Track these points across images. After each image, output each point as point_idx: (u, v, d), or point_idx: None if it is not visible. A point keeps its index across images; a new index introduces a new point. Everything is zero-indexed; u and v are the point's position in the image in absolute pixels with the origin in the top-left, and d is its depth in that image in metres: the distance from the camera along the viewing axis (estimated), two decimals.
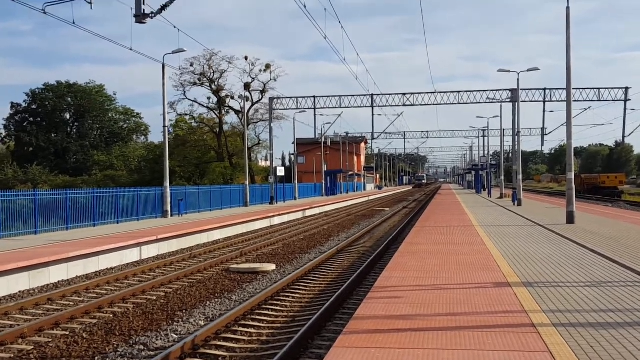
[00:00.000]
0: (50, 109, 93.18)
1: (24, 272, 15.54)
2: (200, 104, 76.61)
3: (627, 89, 59.69)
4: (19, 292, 15.13)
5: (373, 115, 63.78)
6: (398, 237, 25.70)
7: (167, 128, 38.06)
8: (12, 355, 9.67)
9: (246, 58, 72.86)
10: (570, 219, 24.86)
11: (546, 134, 66.43)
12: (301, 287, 15.25)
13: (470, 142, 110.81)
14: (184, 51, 35.01)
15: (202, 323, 11.75)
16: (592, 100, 60.11)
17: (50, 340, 10.55)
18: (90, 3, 19.60)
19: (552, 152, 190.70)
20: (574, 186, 25.76)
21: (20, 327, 11.00)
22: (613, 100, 60.02)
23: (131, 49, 35.77)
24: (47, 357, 9.56)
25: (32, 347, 10.14)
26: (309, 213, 45.30)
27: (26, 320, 12.19)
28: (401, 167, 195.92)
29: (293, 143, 71.46)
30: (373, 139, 76.08)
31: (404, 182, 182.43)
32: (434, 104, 61.43)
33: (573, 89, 26.62)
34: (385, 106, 62.78)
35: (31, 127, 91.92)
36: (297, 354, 9.34)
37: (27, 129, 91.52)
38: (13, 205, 23.51)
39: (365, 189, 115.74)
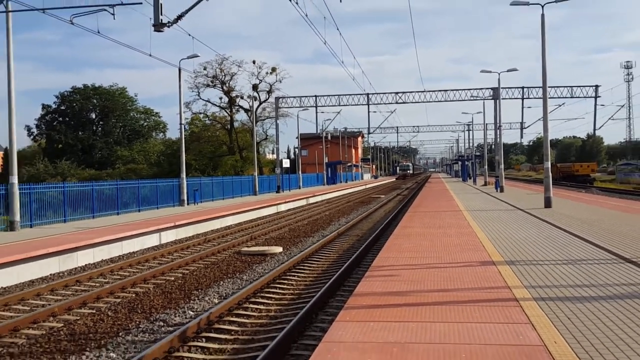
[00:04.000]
0: (78, 109, 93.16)
1: (55, 257, 15.54)
2: (213, 104, 77.01)
3: (597, 87, 59.86)
4: (50, 274, 15.15)
5: (369, 112, 63.92)
6: (393, 221, 25.67)
7: (183, 125, 38.02)
8: (44, 332, 9.65)
9: (254, 62, 72.99)
10: (548, 203, 24.86)
11: (525, 128, 66.50)
12: (306, 268, 15.24)
13: (457, 135, 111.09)
14: (198, 56, 35.03)
15: (216, 301, 11.74)
16: (565, 97, 60.27)
17: (79, 318, 10.54)
18: (113, 14, 19.58)
19: (531, 143, 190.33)
20: (550, 174, 25.75)
21: (51, 307, 11.00)
22: (584, 97, 60.16)
23: (150, 55, 35.86)
24: (76, 334, 9.54)
25: (62, 324, 10.13)
26: (312, 200, 45.30)
27: (56, 300, 12.20)
28: (395, 159, 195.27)
29: (297, 137, 71.55)
30: (369, 133, 75.78)
31: (397, 172, 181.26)
32: (423, 102, 61.59)
33: (548, 87, 26.56)
34: (380, 104, 62.86)
35: (60, 126, 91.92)
36: (303, 328, 9.33)
37: (57, 128, 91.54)
38: (44, 197, 23.51)
39: (362, 179, 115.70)
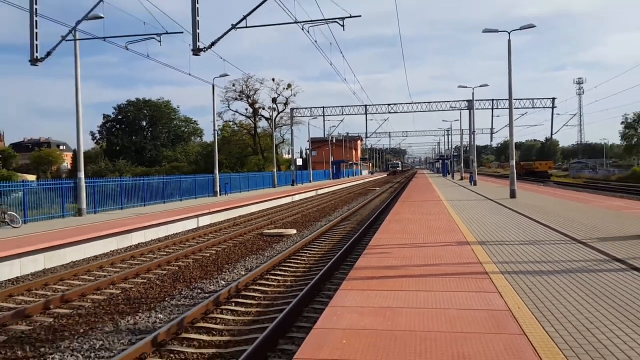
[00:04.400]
0: (131, 118, 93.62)
1: (114, 237, 15.65)
2: (240, 114, 77.26)
3: (553, 99, 59.30)
4: (110, 251, 15.26)
5: (366, 120, 63.67)
6: (386, 209, 25.62)
7: (216, 131, 38.12)
8: (106, 297, 9.73)
9: (273, 80, 73.09)
10: (513, 194, 24.75)
11: (494, 133, 65.74)
12: (315, 246, 15.26)
13: (438, 138, 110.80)
14: (228, 75, 35.49)
15: (243, 273, 11.79)
16: (527, 107, 59.80)
17: (133, 286, 10.61)
18: (160, 41, 19.59)
19: (499, 145, 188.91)
20: (515, 170, 25.65)
21: (111, 277, 11.09)
22: (543, 107, 59.62)
23: (189, 74, 36.02)
24: (131, 298, 9.60)
25: (120, 291, 10.21)
26: (320, 192, 45.26)
27: (115, 271, 12.28)
28: (387, 158, 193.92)
29: (308, 141, 71.54)
30: (366, 137, 75.36)
31: (388, 169, 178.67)
32: (411, 112, 61.25)
33: (513, 99, 26.39)
34: (375, 113, 62.59)
35: (117, 132, 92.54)
36: (313, 295, 9.37)
37: (115, 133, 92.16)
38: (105, 189, 23.63)
39: (361, 174, 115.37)
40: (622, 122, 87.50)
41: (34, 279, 11.57)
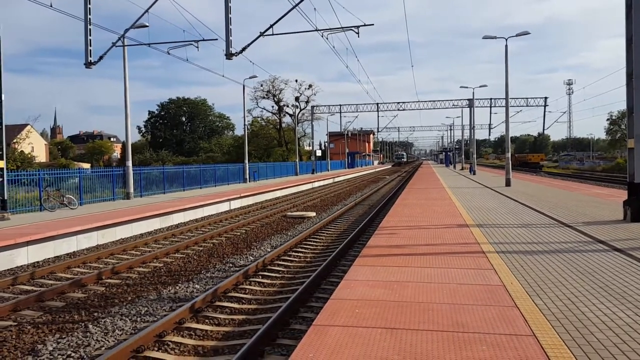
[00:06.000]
0: (172, 114, 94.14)
1: (157, 218, 15.82)
2: (267, 110, 77.49)
3: (545, 98, 58.20)
4: (154, 230, 15.43)
5: (378, 116, 63.21)
6: (394, 195, 25.51)
7: (246, 126, 38.23)
8: (150, 270, 9.87)
9: (296, 81, 73.66)
10: (508, 183, 24.48)
11: (492, 128, 64.77)
12: (332, 227, 15.27)
13: (442, 133, 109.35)
14: (256, 77, 35.32)
15: (269, 250, 11.85)
16: (522, 105, 58.73)
17: (174, 260, 10.74)
18: (197, 47, 19.67)
19: (496, 139, 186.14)
20: (510, 162, 25.31)
21: (155, 252, 11.22)
22: (536, 106, 58.57)
23: (223, 76, 36.20)
24: (172, 271, 9.73)
25: (162, 264, 10.34)
26: (337, 180, 45.18)
27: (158, 248, 12.43)
28: (396, 150, 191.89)
29: (326, 134, 71.43)
30: (378, 131, 74.94)
31: (394, 160, 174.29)
32: (417, 109, 60.65)
33: (510, 98, 26.02)
34: (386, 110, 62.01)
35: (160, 126, 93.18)
36: (331, 269, 9.39)
37: (158, 127, 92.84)
38: (150, 176, 23.89)
39: (373, 164, 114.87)
40: (608, 119, 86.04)
41: (88, 253, 11.79)
